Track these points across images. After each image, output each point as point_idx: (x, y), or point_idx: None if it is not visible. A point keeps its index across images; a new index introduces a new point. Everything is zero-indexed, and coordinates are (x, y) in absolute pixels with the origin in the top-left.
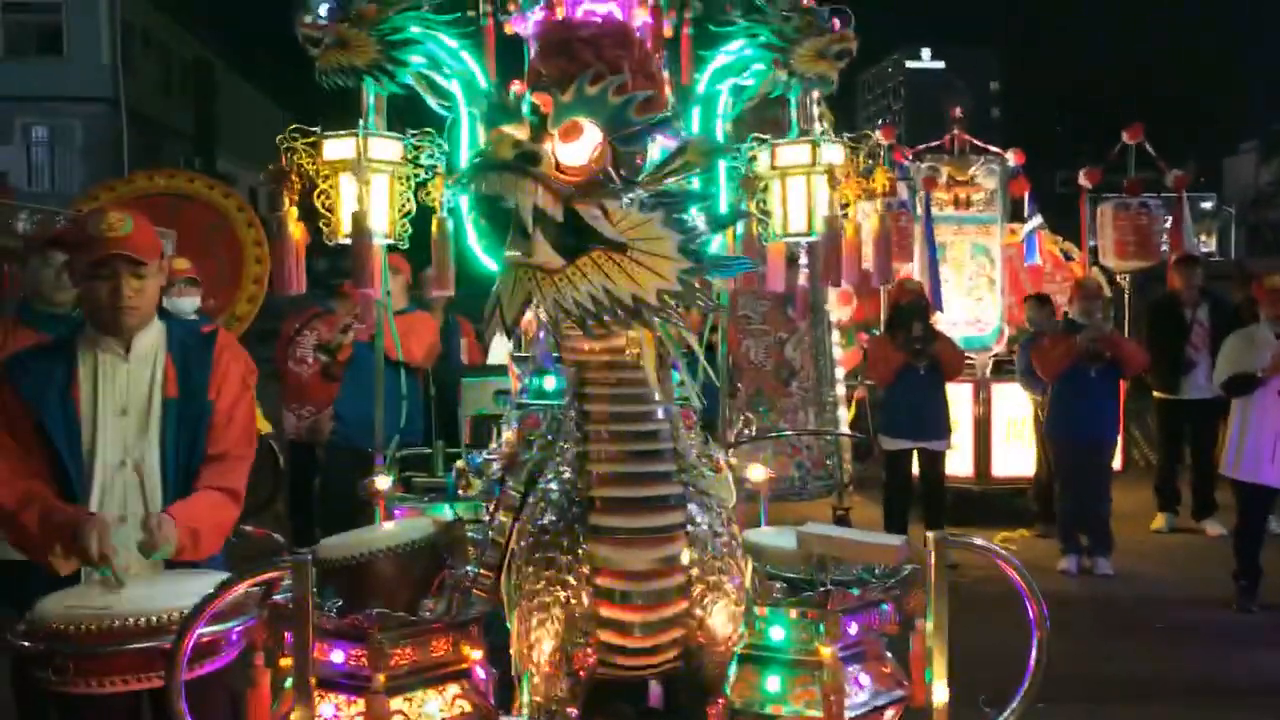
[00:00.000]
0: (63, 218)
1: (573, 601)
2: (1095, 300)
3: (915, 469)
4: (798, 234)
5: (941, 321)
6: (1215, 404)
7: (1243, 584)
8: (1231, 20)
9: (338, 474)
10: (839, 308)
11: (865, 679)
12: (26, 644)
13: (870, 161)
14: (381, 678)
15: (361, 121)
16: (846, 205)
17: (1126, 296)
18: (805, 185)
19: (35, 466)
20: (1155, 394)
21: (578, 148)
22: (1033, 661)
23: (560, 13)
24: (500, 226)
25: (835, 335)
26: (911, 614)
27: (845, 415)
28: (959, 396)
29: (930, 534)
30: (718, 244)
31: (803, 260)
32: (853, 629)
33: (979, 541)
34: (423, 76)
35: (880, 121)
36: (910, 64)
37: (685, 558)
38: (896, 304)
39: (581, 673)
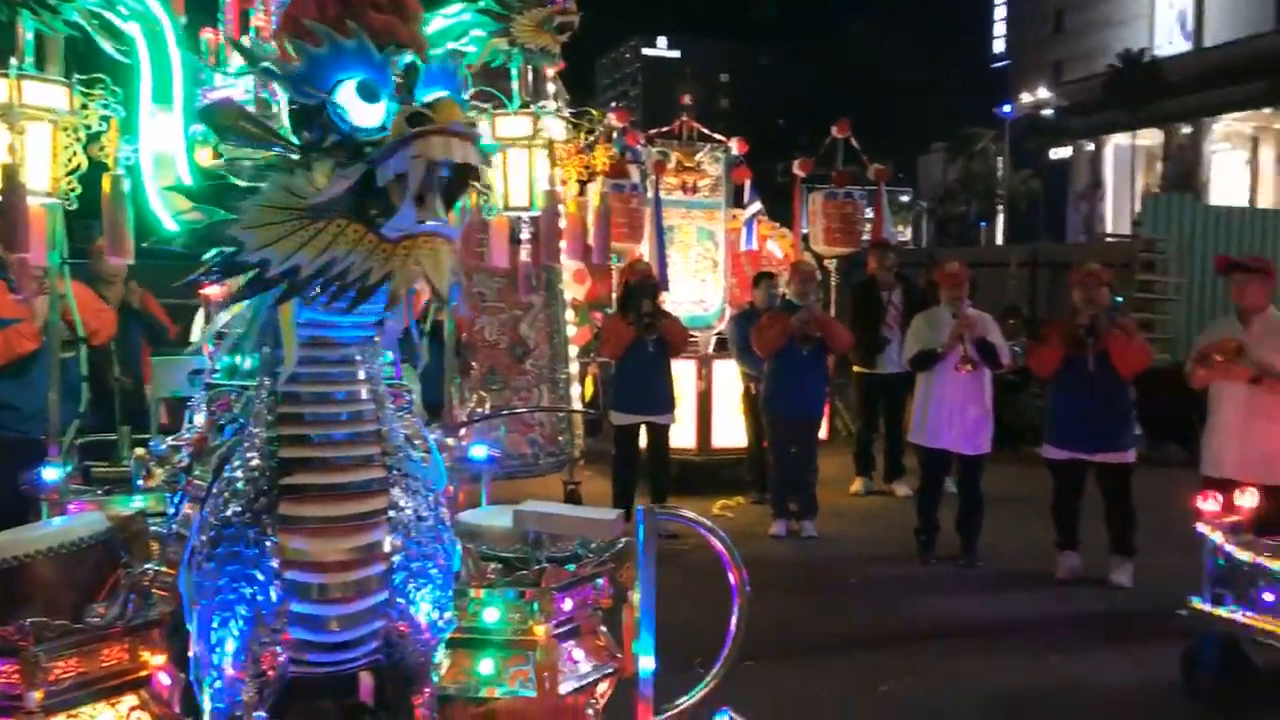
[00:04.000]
0: None
1: (259, 599)
2: (809, 283)
3: (644, 442)
4: (519, 208)
5: (668, 301)
6: (906, 378)
7: (923, 539)
8: (929, 31)
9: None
10: (574, 286)
11: (580, 654)
12: None
13: (590, 137)
14: (38, 695)
15: (14, 61)
16: (586, 181)
17: (833, 280)
18: (527, 159)
19: None
20: (855, 369)
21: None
22: (733, 625)
23: None
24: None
25: (569, 313)
26: (625, 587)
27: (578, 392)
28: (683, 372)
29: (639, 507)
30: None
31: (524, 235)
32: (567, 605)
33: (686, 513)
34: (94, 15)
35: (614, 105)
36: (647, 51)
37: (387, 545)
38: (627, 283)
39: (270, 673)
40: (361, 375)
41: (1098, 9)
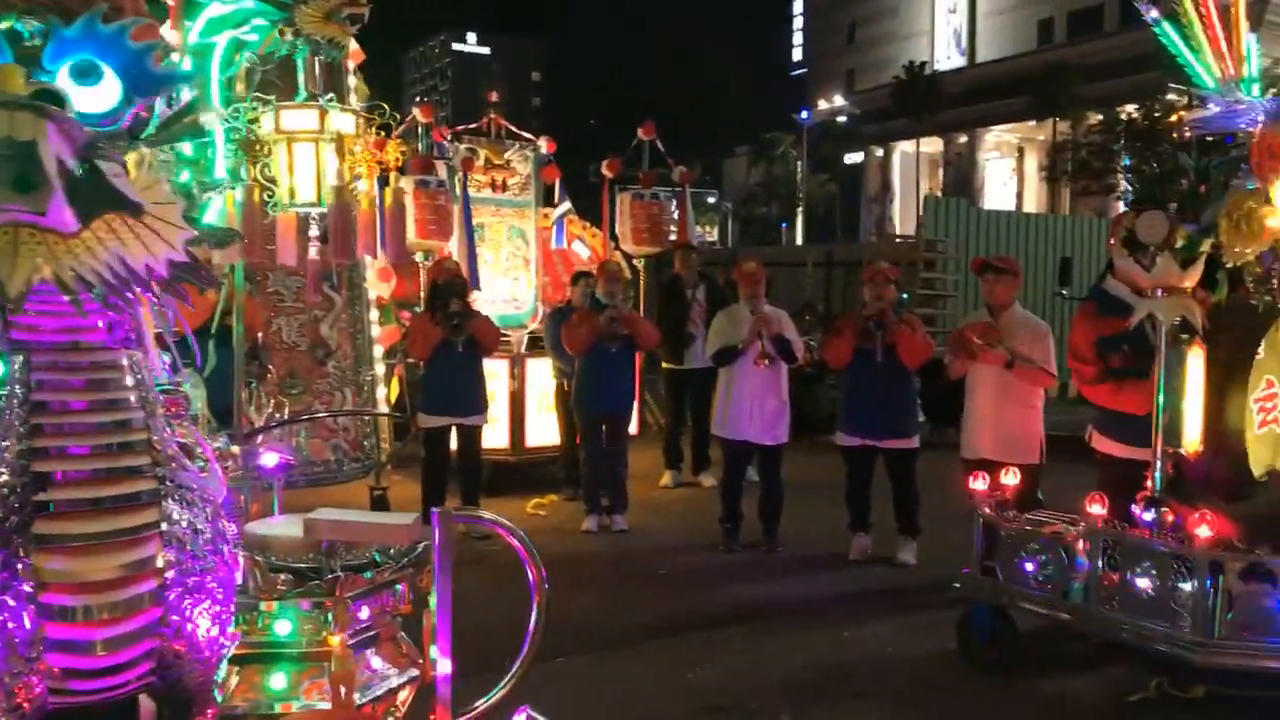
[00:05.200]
0: None
1: (11, 626)
2: (616, 282)
3: (455, 445)
4: (307, 204)
5: (479, 300)
6: (711, 373)
7: (727, 527)
8: (733, 39)
9: None
10: (378, 284)
11: (379, 662)
12: None
13: (382, 133)
14: None
15: None
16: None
17: (643, 279)
18: (314, 153)
19: None
20: (664, 365)
21: (96, 94)
22: (532, 624)
23: None
24: None
25: (374, 313)
26: (425, 592)
27: (384, 394)
28: (496, 372)
29: (435, 510)
30: (215, 212)
31: (313, 232)
32: (365, 613)
33: (484, 514)
34: None
35: (416, 100)
36: (456, 46)
37: (160, 560)
38: (435, 282)
39: (26, 706)
40: (128, 381)
41: (885, 23)
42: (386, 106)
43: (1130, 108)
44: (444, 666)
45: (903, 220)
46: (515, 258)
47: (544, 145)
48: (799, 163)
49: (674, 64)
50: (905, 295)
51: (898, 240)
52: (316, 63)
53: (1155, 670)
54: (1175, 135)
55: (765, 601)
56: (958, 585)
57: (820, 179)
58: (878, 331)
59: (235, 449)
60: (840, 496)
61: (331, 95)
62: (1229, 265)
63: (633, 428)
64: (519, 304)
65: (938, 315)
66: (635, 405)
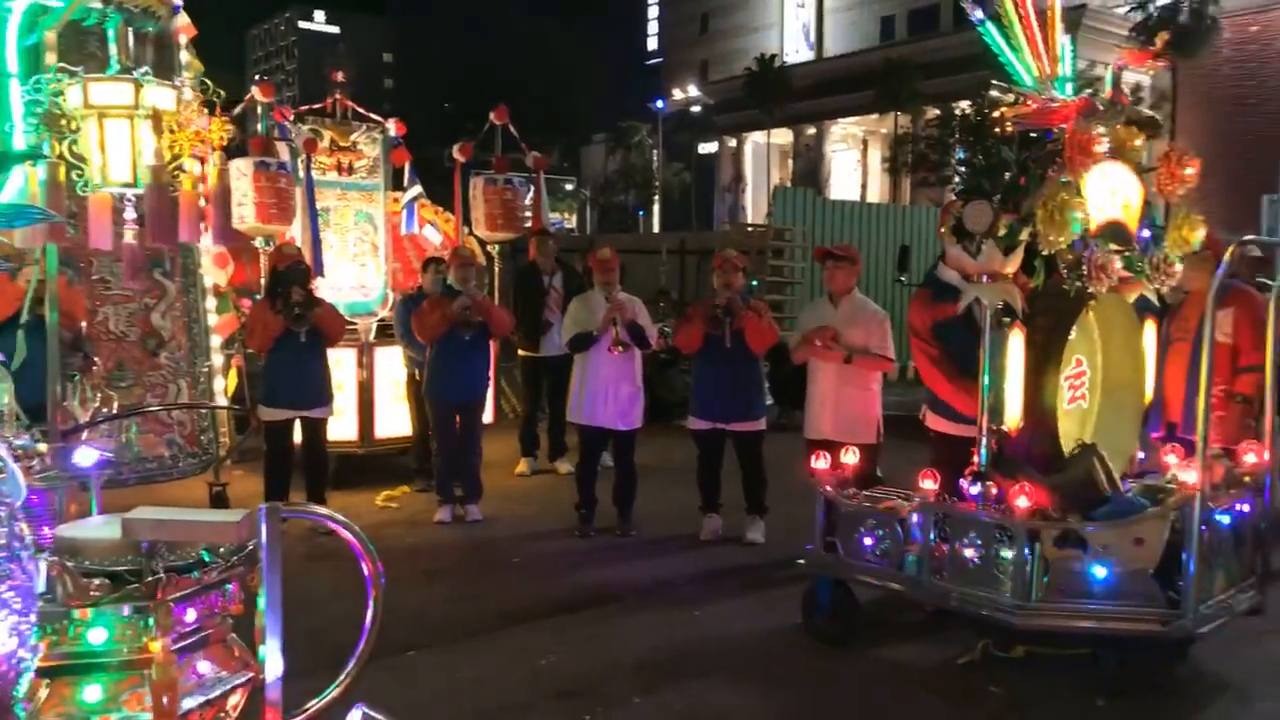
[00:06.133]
0: None
1: None
2: (470, 268)
3: (300, 438)
4: (121, 184)
5: (323, 287)
6: (568, 359)
7: (583, 513)
8: (591, 27)
9: None
10: (214, 271)
11: (207, 667)
12: None
13: (206, 110)
14: None
15: None
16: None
17: (497, 265)
18: (129, 130)
19: None
20: (520, 352)
21: None
22: (369, 620)
23: None
24: None
25: (210, 301)
26: (256, 590)
27: (222, 386)
28: (343, 361)
29: (261, 506)
30: (14, 190)
31: (130, 214)
32: (190, 616)
33: (315, 509)
34: None
35: (257, 78)
36: (303, 24)
37: None
38: (275, 269)
39: None
40: None
41: (738, 15)
42: (210, 82)
43: (964, 104)
44: (274, 667)
45: (755, 209)
46: (363, 243)
47: (393, 128)
48: (655, 151)
49: (531, 49)
50: (755, 282)
51: (749, 229)
52: (131, 33)
53: (982, 634)
54: (999, 130)
55: (619, 585)
56: (801, 561)
57: (676, 168)
58: (726, 318)
59: (43, 447)
60: (693, 479)
61: (147, 69)
62: (1045, 253)
63: (488, 416)
64: (367, 291)
65: (786, 301)
66: (490, 393)
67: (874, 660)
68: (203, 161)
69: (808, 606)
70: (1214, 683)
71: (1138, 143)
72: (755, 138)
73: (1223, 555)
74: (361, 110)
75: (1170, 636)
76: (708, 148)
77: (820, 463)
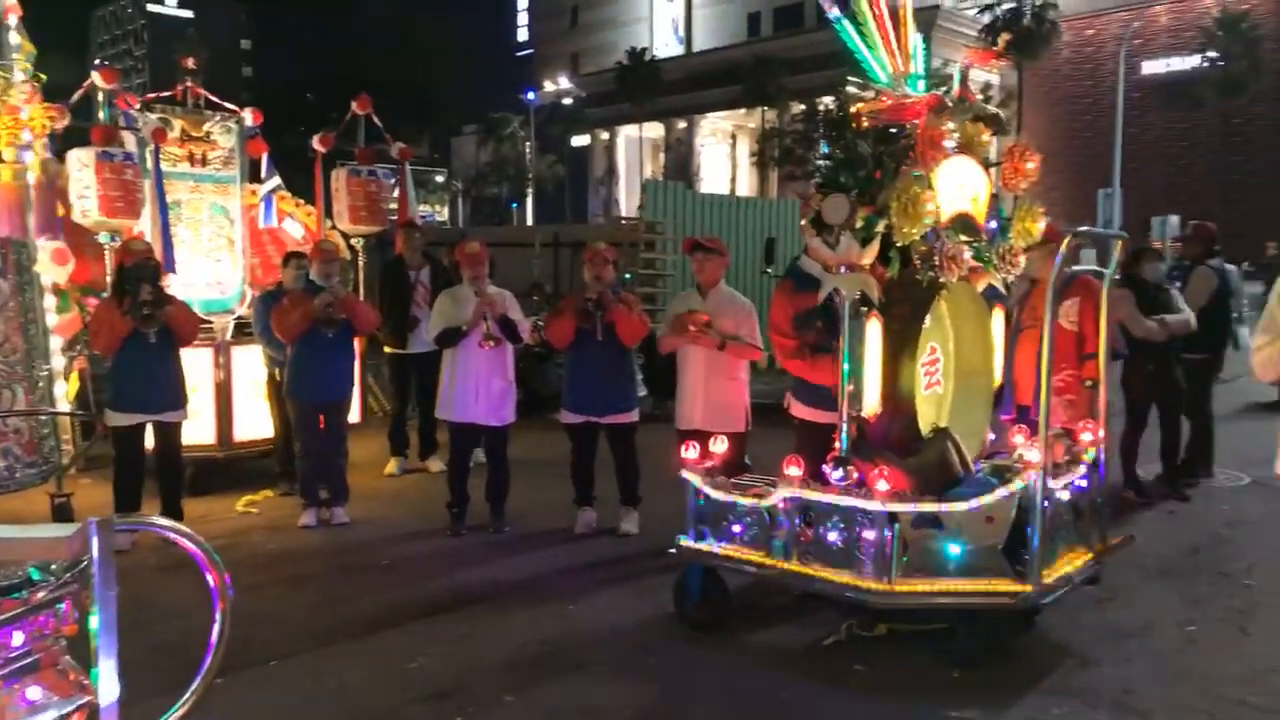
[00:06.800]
0: None
1: None
2: (332, 263)
3: (152, 443)
4: None
5: (175, 284)
6: (436, 355)
7: (454, 511)
8: (460, 15)
9: None
10: (52, 268)
11: (37, 693)
12: None
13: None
14: None
15: None
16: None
17: (361, 259)
18: None
19: None
20: (387, 349)
21: None
22: (215, 635)
23: None
24: None
25: (50, 300)
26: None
27: (64, 390)
28: (198, 361)
29: (91, 519)
30: None
31: None
32: (18, 640)
33: (154, 520)
34: None
35: (97, 63)
36: (152, 8)
37: None
38: (122, 265)
39: None
40: None
41: (607, 9)
42: (30, 67)
43: (828, 99)
44: (109, 691)
45: (628, 202)
46: (218, 237)
47: (249, 117)
48: (528, 144)
49: (399, 39)
50: (628, 275)
51: (622, 222)
52: None
53: (846, 614)
54: (854, 125)
55: (491, 583)
56: (673, 550)
57: (549, 160)
58: (597, 311)
59: None
60: (567, 473)
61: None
62: (899, 244)
63: (355, 415)
64: (223, 287)
65: (658, 294)
66: (357, 392)
67: (744, 645)
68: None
69: (679, 595)
70: (1058, 648)
71: (984, 138)
72: (628, 131)
73: (1064, 529)
74: (215, 99)
75: (1018, 607)
76: (581, 140)
77: (690, 452)
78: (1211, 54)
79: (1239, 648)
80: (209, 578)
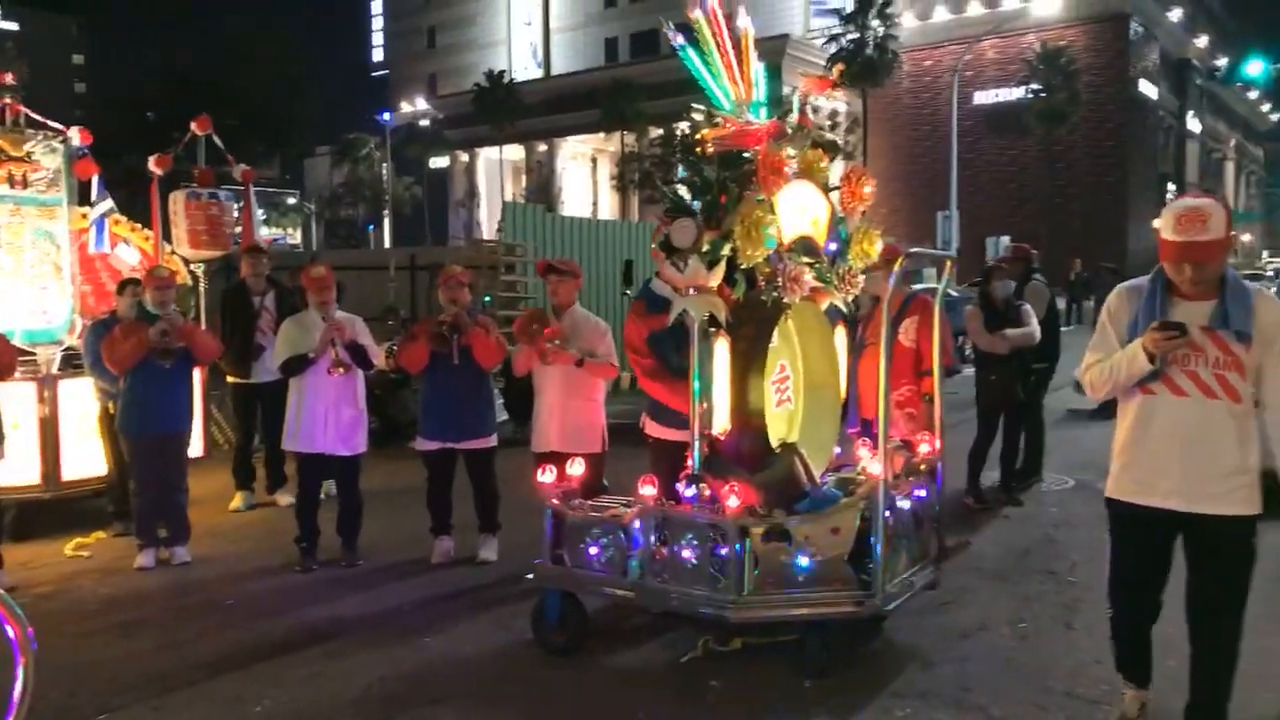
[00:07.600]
0: None
1: None
2: (168, 290)
3: None
4: None
5: None
6: (282, 384)
7: (304, 546)
8: (312, 34)
9: None
10: None
11: None
12: None
13: None
14: None
15: None
16: None
17: (203, 285)
18: None
19: None
20: (230, 378)
21: None
22: (18, 691)
23: None
24: None
25: None
26: None
27: None
28: (20, 396)
29: None
30: None
31: None
32: None
33: None
34: None
35: None
36: None
37: None
38: None
39: None
40: None
41: (465, 30)
42: None
43: (684, 125)
44: None
45: (490, 224)
46: (43, 263)
47: (77, 136)
48: (384, 165)
49: (244, 56)
50: (488, 298)
51: (482, 244)
52: None
53: (702, 631)
54: (700, 150)
55: (342, 620)
56: (530, 576)
57: (406, 181)
58: (452, 335)
59: None
60: (423, 502)
61: None
62: (744, 266)
63: (197, 449)
64: (49, 316)
65: (517, 317)
66: (199, 424)
67: (603, 668)
68: None
69: (537, 621)
70: (903, 652)
71: (823, 164)
72: (488, 153)
73: (905, 537)
74: (37, 117)
75: (864, 615)
76: (439, 162)
77: (547, 475)
78: (1035, 86)
79: (1066, 642)
80: (8, 630)
